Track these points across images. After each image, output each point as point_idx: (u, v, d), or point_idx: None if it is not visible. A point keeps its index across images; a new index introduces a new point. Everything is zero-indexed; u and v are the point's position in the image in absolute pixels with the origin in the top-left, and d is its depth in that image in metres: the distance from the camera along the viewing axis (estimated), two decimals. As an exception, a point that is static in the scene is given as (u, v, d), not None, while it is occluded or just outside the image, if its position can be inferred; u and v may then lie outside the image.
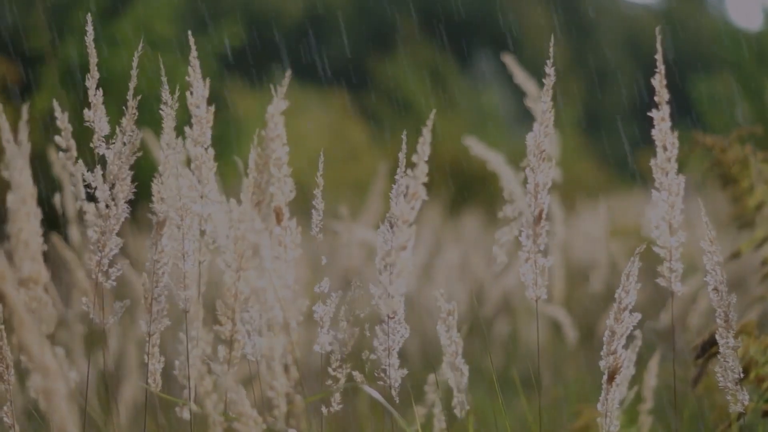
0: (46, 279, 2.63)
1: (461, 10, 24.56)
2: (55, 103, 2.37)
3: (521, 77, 4.03)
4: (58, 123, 2.35)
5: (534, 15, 25.20)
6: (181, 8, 11.06)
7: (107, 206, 2.21)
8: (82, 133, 2.58)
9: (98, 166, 2.23)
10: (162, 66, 2.32)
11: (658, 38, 2.22)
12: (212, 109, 2.24)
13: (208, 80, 2.24)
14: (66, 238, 3.41)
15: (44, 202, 3.08)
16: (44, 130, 9.21)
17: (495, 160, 3.53)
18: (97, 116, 2.23)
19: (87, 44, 2.23)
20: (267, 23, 22.12)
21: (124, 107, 2.24)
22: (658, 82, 2.21)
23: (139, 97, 2.24)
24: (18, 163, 2.58)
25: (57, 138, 2.38)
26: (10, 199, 2.58)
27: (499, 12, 25.48)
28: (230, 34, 10.62)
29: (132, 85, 2.22)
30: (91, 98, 2.23)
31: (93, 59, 2.23)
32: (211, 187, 2.21)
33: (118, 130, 2.23)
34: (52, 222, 3.01)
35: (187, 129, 2.23)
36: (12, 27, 9.89)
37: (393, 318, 2.15)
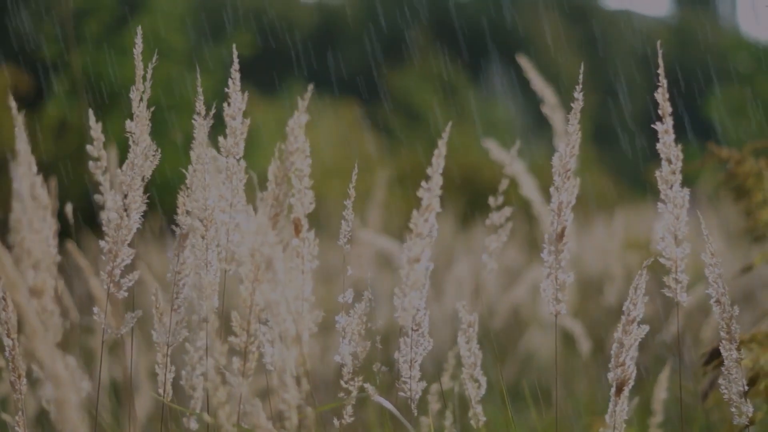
0: (52, 288, 2.62)
1: (473, 22, 24.56)
2: (91, 113, 2.33)
3: (539, 84, 3.99)
4: (92, 132, 2.31)
5: (546, 27, 25.20)
6: (191, 18, 11.07)
7: (119, 216, 2.21)
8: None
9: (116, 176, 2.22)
10: (198, 76, 2.32)
11: (660, 52, 2.22)
12: (247, 121, 2.23)
13: (246, 93, 2.23)
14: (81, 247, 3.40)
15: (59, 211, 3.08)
16: (55, 138, 9.21)
17: (514, 164, 3.50)
18: (139, 128, 2.21)
19: (135, 56, 2.22)
20: (279, 33, 22.14)
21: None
22: (661, 95, 2.21)
23: (153, 108, 2.23)
24: (19, 171, 2.57)
25: (89, 147, 2.35)
26: (14, 208, 2.57)
27: (510, 24, 25.48)
28: (241, 43, 10.63)
29: (146, 95, 2.22)
30: (134, 110, 2.21)
31: (139, 72, 2.22)
32: (239, 198, 2.20)
33: (130, 140, 2.22)
34: (68, 230, 3.01)
35: (220, 139, 2.22)
36: (24, 36, 9.92)
37: (417, 330, 2.15)
